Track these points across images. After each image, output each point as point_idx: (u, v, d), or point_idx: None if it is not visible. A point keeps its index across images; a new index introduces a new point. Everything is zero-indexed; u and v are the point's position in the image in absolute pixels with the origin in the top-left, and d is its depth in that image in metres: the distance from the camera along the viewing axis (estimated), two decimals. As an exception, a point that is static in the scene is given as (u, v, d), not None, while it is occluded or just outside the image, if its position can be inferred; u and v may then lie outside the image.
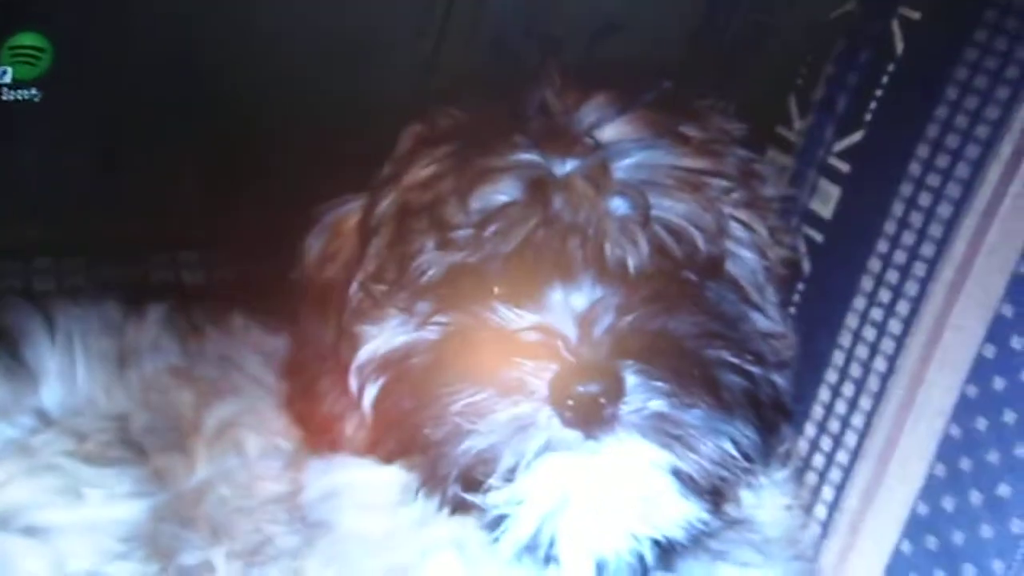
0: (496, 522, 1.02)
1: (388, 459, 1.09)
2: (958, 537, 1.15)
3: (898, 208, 1.25)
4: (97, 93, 1.64)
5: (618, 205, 1.03)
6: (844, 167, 1.33)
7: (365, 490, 1.12)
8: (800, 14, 1.63)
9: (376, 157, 1.15)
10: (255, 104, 1.68)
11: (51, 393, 1.31)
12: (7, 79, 1.44)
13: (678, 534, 1.02)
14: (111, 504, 1.22)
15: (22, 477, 1.22)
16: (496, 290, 1.04)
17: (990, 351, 1.15)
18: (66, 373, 1.32)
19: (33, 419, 1.28)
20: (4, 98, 1.44)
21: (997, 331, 1.15)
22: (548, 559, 1.03)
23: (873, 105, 1.32)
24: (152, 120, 1.72)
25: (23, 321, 1.35)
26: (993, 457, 1.13)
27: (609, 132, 1.07)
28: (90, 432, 1.27)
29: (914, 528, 1.20)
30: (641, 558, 1.03)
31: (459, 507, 1.04)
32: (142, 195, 1.77)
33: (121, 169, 1.76)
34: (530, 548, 1.02)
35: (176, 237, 1.85)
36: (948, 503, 1.16)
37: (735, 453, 1.01)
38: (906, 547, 1.20)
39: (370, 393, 1.09)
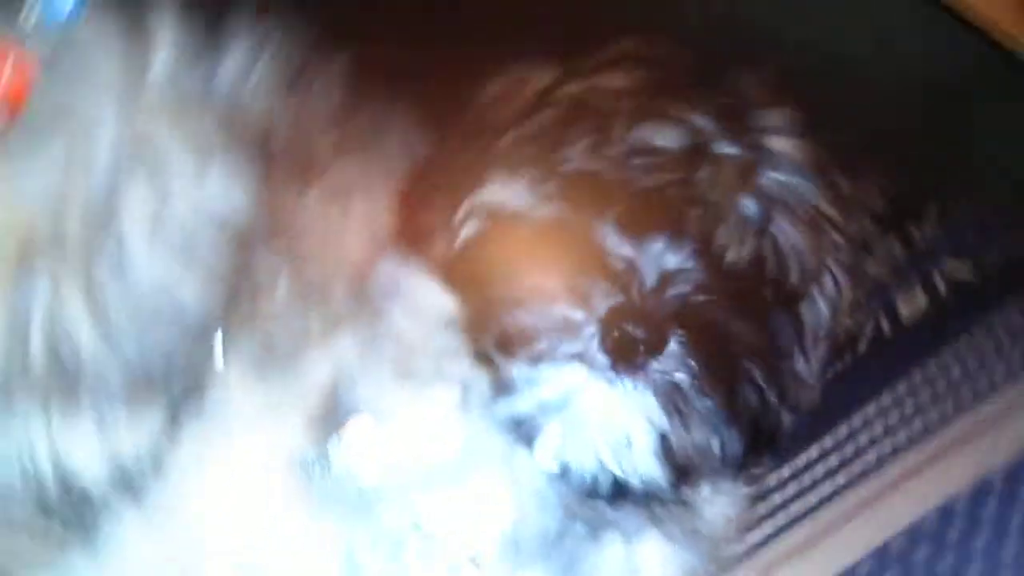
0: (505, 387, 1.13)
1: (454, 289, 1.18)
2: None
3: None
4: None
5: (747, 205, 1.14)
6: (943, 287, 1.39)
7: (418, 299, 1.20)
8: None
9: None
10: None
11: None
12: None
13: (635, 482, 1.13)
14: None
15: None
16: (615, 211, 1.13)
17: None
18: None
19: None
20: None
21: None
22: (528, 440, 1.14)
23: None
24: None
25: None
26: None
27: (778, 143, 1.16)
28: None
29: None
30: (596, 482, 1.14)
31: (483, 359, 1.15)
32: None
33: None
34: (518, 422, 1.13)
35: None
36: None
37: (717, 453, 1.12)
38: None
39: (467, 231, 1.20)
